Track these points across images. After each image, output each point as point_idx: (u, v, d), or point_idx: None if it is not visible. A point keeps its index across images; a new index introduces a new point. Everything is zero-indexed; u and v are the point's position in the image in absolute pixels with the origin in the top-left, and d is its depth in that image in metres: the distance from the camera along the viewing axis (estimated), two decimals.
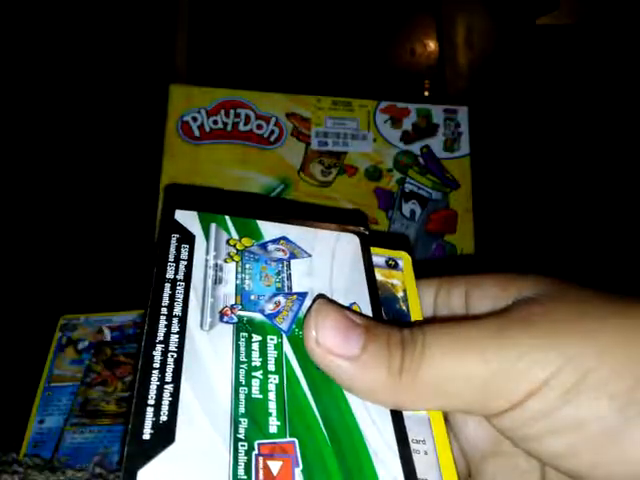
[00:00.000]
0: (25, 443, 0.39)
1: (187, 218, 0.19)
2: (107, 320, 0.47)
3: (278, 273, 0.19)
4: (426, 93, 0.60)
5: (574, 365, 0.15)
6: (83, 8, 0.57)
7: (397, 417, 0.17)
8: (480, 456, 0.19)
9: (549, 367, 0.15)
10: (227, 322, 0.17)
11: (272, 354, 0.17)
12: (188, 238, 0.19)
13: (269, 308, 0.18)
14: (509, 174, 0.57)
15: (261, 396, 0.16)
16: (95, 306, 0.48)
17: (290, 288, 0.19)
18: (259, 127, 0.53)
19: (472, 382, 0.16)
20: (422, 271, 0.22)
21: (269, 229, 0.20)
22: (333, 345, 0.16)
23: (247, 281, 0.19)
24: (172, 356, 0.16)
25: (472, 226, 0.53)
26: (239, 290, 0.18)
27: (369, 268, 0.20)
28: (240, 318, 0.18)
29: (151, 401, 0.15)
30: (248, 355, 0.17)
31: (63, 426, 0.39)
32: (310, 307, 0.18)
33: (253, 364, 0.17)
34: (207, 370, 0.16)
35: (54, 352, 0.45)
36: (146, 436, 0.14)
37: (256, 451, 0.15)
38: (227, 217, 0.20)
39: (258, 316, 0.18)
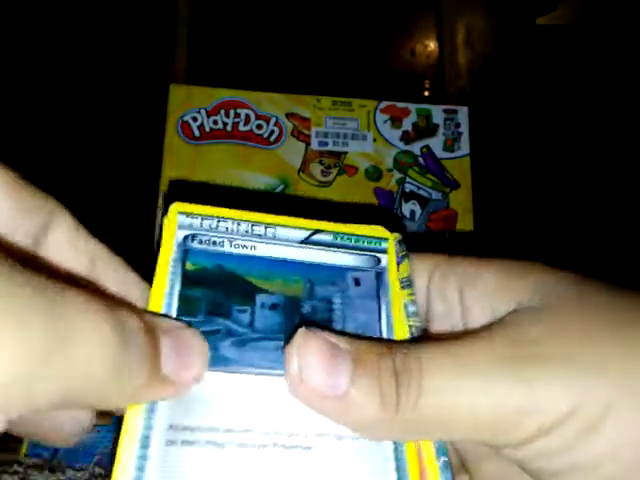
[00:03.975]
0: (25, 443, 0.39)
1: None
2: None
3: None
4: (426, 93, 0.60)
5: (591, 403, 0.14)
6: (83, 8, 0.57)
7: None
8: (478, 457, 0.19)
9: (563, 405, 0.14)
10: None
11: None
12: None
13: None
14: (509, 174, 0.57)
15: None
16: None
17: None
18: (259, 127, 0.53)
19: (476, 418, 0.15)
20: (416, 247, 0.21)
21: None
22: (318, 384, 0.15)
23: None
24: None
25: (472, 226, 0.53)
26: None
27: None
28: None
29: None
30: None
31: None
32: (290, 337, 0.16)
33: None
34: None
35: None
36: None
37: None
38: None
39: None
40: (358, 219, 0.21)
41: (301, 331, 0.16)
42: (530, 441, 0.15)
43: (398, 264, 0.20)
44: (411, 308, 0.19)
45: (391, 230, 0.21)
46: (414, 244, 0.20)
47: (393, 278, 0.19)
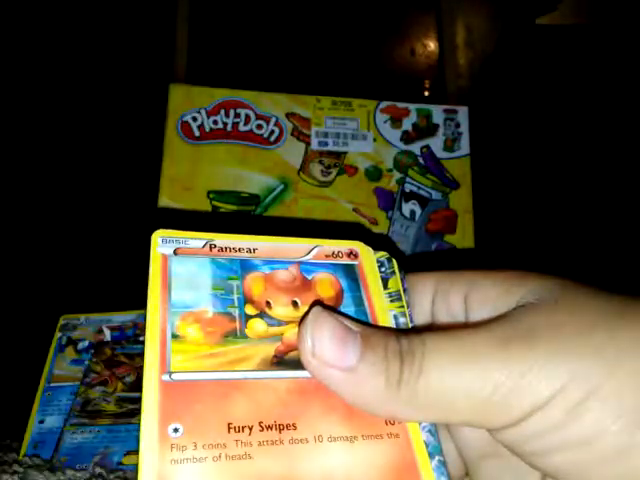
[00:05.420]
0: (25, 443, 0.39)
1: None
2: (107, 320, 0.47)
3: None
4: (426, 93, 0.60)
5: (580, 382, 0.15)
6: (83, 8, 0.57)
7: None
8: (477, 456, 0.19)
9: (554, 384, 0.15)
10: None
11: None
12: None
13: None
14: (509, 174, 0.57)
15: None
16: (95, 306, 0.48)
17: None
18: (259, 127, 0.53)
19: (473, 397, 0.16)
20: (420, 266, 0.22)
21: None
22: (329, 357, 0.16)
23: None
24: None
25: (472, 226, 0.53)
26: None
27: None
28: None
29: None
30: None
31: (63, 426, 0.39)
32: (305, 315, 0.17)
33: None
34: None
35: (54, 352, 0.45)
36: None
37: None
38: None
39: None
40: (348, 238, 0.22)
41: (315, 309, 0.17)
42: (523, 421, 0.15)
43: (387, 280, 0.21)
44: (402, 319, 0.20)
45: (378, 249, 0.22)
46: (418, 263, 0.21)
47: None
